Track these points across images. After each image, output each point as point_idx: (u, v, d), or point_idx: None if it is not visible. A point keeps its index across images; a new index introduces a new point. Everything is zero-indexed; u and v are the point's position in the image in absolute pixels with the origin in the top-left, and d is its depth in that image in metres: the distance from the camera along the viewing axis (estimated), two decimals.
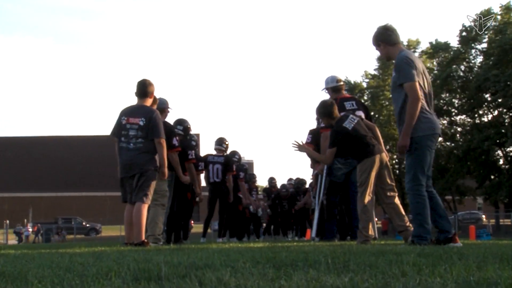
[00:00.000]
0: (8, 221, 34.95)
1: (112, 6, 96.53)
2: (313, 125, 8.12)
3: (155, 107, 6.32)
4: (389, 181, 5.66)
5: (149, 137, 5.70)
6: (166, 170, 5.89)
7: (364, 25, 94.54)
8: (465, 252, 3.33)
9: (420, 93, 4.62)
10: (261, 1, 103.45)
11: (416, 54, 42.25)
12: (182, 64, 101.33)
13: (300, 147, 6.34)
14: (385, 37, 4.92)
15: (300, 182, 14.76)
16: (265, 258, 3.03)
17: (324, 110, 5.98)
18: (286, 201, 14.56)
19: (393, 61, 4.89)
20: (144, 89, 5.91)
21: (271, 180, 15.49)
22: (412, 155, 4.67)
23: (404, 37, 54.45)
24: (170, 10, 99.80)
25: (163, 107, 7.11)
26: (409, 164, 4.70)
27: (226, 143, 10.21)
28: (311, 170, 8.20)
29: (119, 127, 5.78)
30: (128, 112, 5.80)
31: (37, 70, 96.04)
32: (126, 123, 5.72)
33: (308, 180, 13.66)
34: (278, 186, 15.31)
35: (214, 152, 10.07)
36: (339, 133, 5.73)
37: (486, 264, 2.52)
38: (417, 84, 4.61)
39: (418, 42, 42.18)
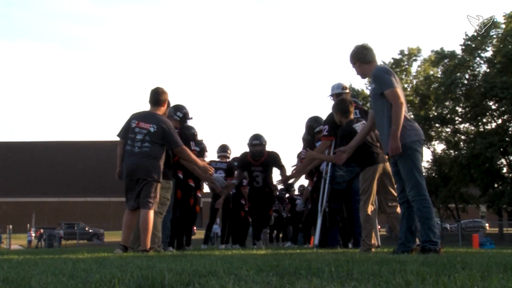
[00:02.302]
0: (11, 226, 35.03)
1: (117, 12, 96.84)
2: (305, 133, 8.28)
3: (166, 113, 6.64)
4: (392, 191, 5.65)
5: (167, 147, 5.81)
6: (202, 172, 6.45)
7: (370, 32, 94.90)
8: (468, 261, 3.32)
9: (402, 99, 4.67)
10: (266, 7, 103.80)
11: (418, 62, 42.53)
12: (186, 70, 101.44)
13: (309, 155, 6.67)
14: (360, 56, 5.02)
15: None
16: (269, 265, 3.03)
17: (342, 106, 5.96)
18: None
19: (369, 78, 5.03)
20: (157, 97, 5.95)
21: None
22: (407, 161, 4.67)
23: (406, 45, 54.66)
24: (175, 16, 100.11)
25: (169, 115, 7.14)
26: (406, 172, 4.68)
27: (229, 151, 10.24)
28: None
29: (127, 130, 5.81)
30: (139, 117, 5.83)
31: (41, 76, 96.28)
32: (136, 126, 5.75)
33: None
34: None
35: (218, 159, 10.09)
36: (346, 131, 5.73)
37: (490, 273, 2.51)
38: (398, 90, 4.68)
39: (419, 50, 42.17)
